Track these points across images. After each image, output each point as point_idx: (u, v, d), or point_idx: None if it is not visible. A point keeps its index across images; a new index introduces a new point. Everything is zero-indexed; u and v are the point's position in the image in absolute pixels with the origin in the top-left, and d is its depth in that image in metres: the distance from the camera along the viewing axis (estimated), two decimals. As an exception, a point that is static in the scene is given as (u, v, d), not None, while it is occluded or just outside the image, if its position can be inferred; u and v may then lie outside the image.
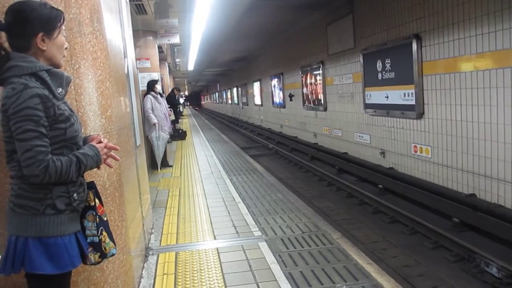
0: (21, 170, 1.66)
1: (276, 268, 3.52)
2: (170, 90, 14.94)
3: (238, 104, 30.57)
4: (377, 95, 8.37)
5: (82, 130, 2.22)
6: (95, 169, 1.95)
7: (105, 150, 1.89)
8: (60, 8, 1.93)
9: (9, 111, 1.60)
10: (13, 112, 1.59)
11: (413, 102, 7.07)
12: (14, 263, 1.65)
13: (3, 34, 1.74)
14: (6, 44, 1.73)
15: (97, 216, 1.90)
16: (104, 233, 1.91)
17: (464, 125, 6.00)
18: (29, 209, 1.69)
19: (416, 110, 7.02)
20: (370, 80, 8.59)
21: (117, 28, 3.18)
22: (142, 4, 7.36)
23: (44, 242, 1.70)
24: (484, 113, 5.60)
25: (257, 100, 22.13)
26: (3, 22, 1.70)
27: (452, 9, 6.00)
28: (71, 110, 1.84)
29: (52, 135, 1.68)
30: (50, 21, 1.74)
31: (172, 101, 12.58)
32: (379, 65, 8.12)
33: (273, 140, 16.81)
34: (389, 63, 7.78)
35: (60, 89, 1.78)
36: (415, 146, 7.33)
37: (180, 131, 14.40)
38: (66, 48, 1.86)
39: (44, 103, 1.63)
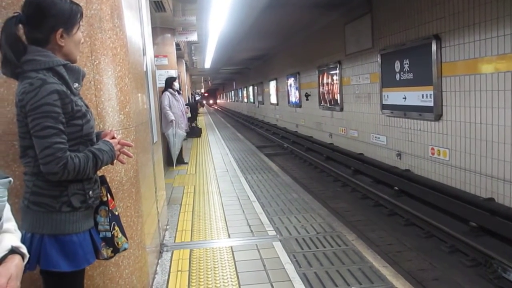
0: (36, 167, 1.65)
1: (290, 268, 3.50)
2: (192, 97, 15.35)
3: (253, 102, 30.56)
4: (395, 96, 8.28)
5: (101, 126, 2.24)
6: (113, 165, 1.95)
7: (118, 146, 1.87)
8: (81, 4, 1.93)
9: (27, 107, 1.58)
10: (31, 109, 1.57)
11: (432, 104, 6.98)
12: (29, 260, 1.64)
13: (21, 27, 1.69)
14: (23, 37, 1.69)
15: (109, 211, 1.89)
16: (116, 227, 1.90)
17: (483, 127, 5.90)
18: (45, 207, 1.67)
19: (434, 112, 6.93)
20: (388, 80, 8.50)
21: (136, 25, 3.20)
22: (161, 1, 7.39)
23: (60, 239, 1.69)
24: (504, 116, 5.49)
25: (273, 99, 22.10)
26: (21, 14, 1.66)
27: (473, 9, 5.90)
28: (86, 106, 1.82)
29: (68, 131, 1.66)
30: (71, 17, 1.71)
31: (194, 110, 13.21)
32: (397, 65, 8.03)
33: (288, 139, 16.76)
34: (407, 63, 7.69)
35: (77, 84, 1.75)
36: (432, 148, 7.24)
37: (195, 127, 14.43)
38: (82, 43, 1.84)
39: (62, 99, 1.61)
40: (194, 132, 13.91)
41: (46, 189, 1.68)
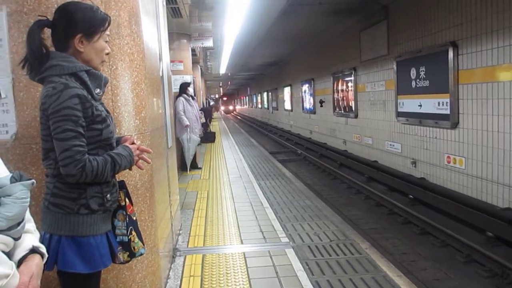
0: (57, 169, 1.69)
1: (303, 276, 3.48)
2: (207, 102, 15.04)
3: (268, 108, 30.60)
4: (410, 103, 8.21)
5: (117, 130, 2.26)
6: (131, 170, 1.96)
7: (137, 152, 1.90)
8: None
9: (49, 110, 1.62)
10: (53, 112, 1.61)
11: (448, 112, 6.91)
12: (47, 260, 1.66)
13: (46, 32, 1.74)
14: (48, 42, 1.74)
15: (127, 216, 1.91)
16: (133, 232, 1.93)
17: (501, 136, 5.82)
18: (64, 208, 1.71)
19: (451, 120, 6.85)
20: (403, 87, 8.44)
21: (153, 31, 3.23)
22: (178, 7, 7.45)
23: (77, 241, 1.72)
24: (523, 125, 5.41)
25: (287, 105, 22.10)
26: (47, 18, 1.72)
27: (491, 16, 5.83)
28: (107, 111, 1.85)
29: (88, 135, 1.69)
30: (93, 24, 1.74)
31: (208, 115, 12.79)
32: (413, 72, 7.98)
33: (302, 145, 16.72)
34: (423, 71, 7.63)
35: (98, 90, 1.79)
36: (448, 157, 7.15)
37: (209, 131, 14.28)
38: (107, 53, 1.85)
39: (82, 104, 1.65)
40: (208, 137, 13.86)
41: (66, 191, 1.71)
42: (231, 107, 69.97)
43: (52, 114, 1.62)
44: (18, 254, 1.24)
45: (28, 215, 1.31)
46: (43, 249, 1.34)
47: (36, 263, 1.27)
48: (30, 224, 1.34)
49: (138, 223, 2.07)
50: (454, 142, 6.95)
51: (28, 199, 1.20)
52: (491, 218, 5.64)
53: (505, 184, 5.77)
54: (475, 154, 6.41)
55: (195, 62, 15.02)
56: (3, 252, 1.14)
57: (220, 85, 44.32)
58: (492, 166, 6.03)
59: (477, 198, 6.38)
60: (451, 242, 5.61)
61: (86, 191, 1.72)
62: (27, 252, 1.26)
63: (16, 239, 1.21)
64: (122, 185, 1.94)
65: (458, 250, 5.41)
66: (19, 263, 1.23)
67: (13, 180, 1.18)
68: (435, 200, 7.04)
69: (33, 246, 1.29)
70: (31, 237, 1.32)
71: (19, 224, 1.18)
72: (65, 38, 1.72)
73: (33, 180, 1.22)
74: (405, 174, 8.64)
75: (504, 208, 5.73)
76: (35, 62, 1.67)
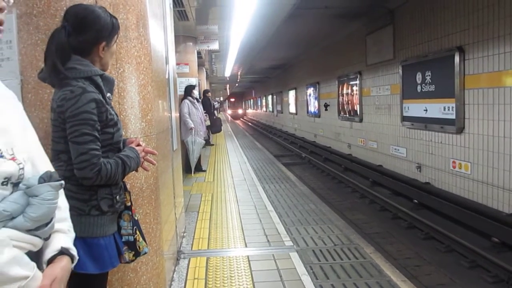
0: (67, 171, 1.70)
1: (307, 280, 3.47)
2: (211, 106, 12.71)
3: (272, 111, 30.61)
4: (416, 108, 8.19)
5: (123, 133, 2.27)
6: (133, 172, 1.98)
7: (143, 153, 1.92)
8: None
9: (67, 113, 1.64)
10: (71, 115, 1.63)
11: (453, 116, 6.89)
12: None
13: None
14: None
15: (132, 216, 1.93)
16: (137, 232, 1.95)
17: (507, 141, 5.79)
18: (75, 210, 1.71)
19: (456, 125, 6.83)
20: (409, 92, 8.43)
21: (160, 33, 3.24)
22: (185, 11, 7.48)
23: (87, 242, 1.73)
24: (529, 131, 5.39)
25: (292, 109, 22.10)
26: (68, 24, 1.71)
27: (498, 21, 5.82)
28: (116, 114, 1.88)
29: (101, 138, 1.71)
30: (112, 31, 1.79)
31: (207, 106, 11.61)
32: (418, 77, 7.96)
33: (306, 149, 16.71)
34: (429, 75, 7.61)
35: (109, 94, 1.82)
36: (453, 162, 7.12)
37: (215, 118, 12.66)
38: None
39: (99, 108, 1.67)
40: (215, 124, 12.06)
41: (77, 193, 1.72)
42: (240, 111, 56.82)
43: (70, 118, 1.63)
44: (47, 255, 1.21)
45: (63, 214, 1.29)
46: (73, 250, 1.29)
47: (61, 266, 1.22)
48: (64, 223, 1.31)
49: (143, 225, 2.08)
50: (459, 147, 6.93)
51: (56, 200, 1.17)
52: (497, 224, 5.61)
53: (511, 189, 5.74)
54: (480, 159, 6.39)
55: (200, 65, 15.02)
56: (31, 251, 1.11)
57: (225, 87, 44.36)
58: (498, 172, 6.00)
59: (482, 204, 6.35)
60: (456, 247, 5.58)
61: (97, 193, 1.74)
62: (55, 253, 1.23)
63: (45, 239, 1.18)
64: (125, 186, 1.97)
65: (463, 255, 5.39)
66: (48, 264, 1.20)
67: (42, 180, 1.15)
68: (440, 205, 7.01)
69: (61, 248, 1.25)
70: (62, 238, 1.27)
71: (46, 224, 1.15)
72: (88, 45, 1.74)
73: (62, 182, 1.19)
74: (410, 178, 8.62)
75: (509, 213, 5.70)
76: (61, 67, 1.67)
